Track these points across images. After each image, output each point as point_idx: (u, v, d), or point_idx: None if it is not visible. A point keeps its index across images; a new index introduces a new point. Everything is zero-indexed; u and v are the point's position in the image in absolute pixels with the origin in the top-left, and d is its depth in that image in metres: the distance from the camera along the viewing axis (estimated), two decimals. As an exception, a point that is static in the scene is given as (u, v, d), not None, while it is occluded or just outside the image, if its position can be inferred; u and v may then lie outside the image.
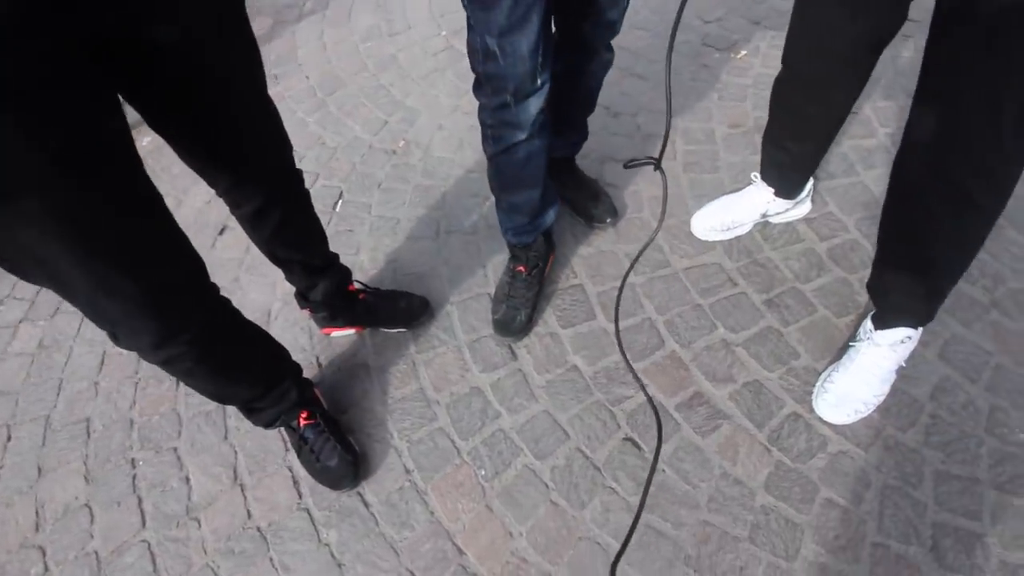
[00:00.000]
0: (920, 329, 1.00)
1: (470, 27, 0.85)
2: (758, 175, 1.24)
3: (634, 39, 1.80)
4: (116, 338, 0.70)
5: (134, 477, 1.14)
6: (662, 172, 0.91)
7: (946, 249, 0.84)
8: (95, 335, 1.37)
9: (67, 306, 1.44)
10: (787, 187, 1.20)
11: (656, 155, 0.88)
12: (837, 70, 0.91)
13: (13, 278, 1.52)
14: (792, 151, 1.12)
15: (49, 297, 1.47)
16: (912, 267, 0.90)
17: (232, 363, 0.85)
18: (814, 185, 1.31)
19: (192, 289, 0.74)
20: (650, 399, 1.06)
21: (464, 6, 0.82)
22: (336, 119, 1.75)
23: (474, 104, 0.96)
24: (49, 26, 0.49)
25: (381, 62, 1.91)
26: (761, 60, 1.68)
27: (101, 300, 0.64)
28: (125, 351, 1.31)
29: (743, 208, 1.27)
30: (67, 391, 1.28)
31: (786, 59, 0.98)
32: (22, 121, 0.50)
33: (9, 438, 1.22)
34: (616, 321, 1.11)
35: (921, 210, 0.81)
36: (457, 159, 1.58)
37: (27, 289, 1.49)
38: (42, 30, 0.49)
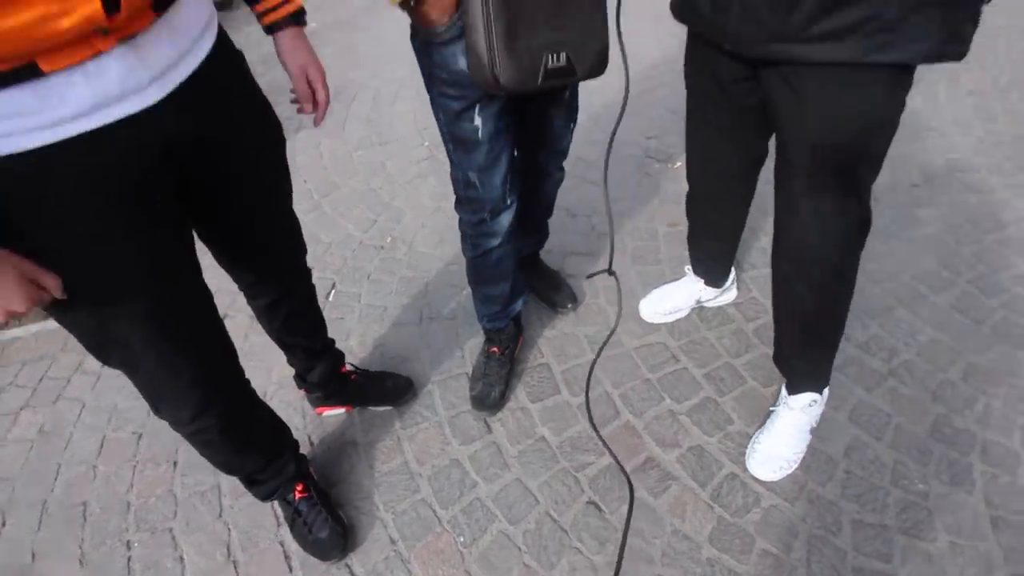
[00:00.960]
0: (824, 394, 1.20)
1: (452, 163, 1.09)
2: (690, 268, 1.49)
3: (588, 151, 2.13)
4: (158, 410, 0.84)
5: (129, 559, 1.19)
6: (616, 278, 1.15)
7: (814, 324, 1.07)
8: (96, 420, 1.46)
9: (69, 392, 1.54)
10: (713, 277, 1.45)
11: (607, 265, 1.13)
12: (725, 186, 1.19)
13: (16, 367, 1.62)
14: (708, 249, 1.38)
15: (51, 384, 1.56)
16: (796, 340, 1.13)
17: (246, 436, 0.98)
18: (738, 275, 1.57)
19: (228, 368, 0.90)
20: (623, 470, 1.18)
21: (448, 152, 1.07)
22: (331, 218, 1.98)
23: (451, 205, 1.18)
24: (146, 154, 0.66)
25: (371, 168, 2.19)
26: (693, 169, 2.01)
27: (161, 376, 0.79)
28: (124, 435, 1.42)
29: (681, 295, 1.50)
30: (65, 475, 1.35)
31: (688, 178, 1.25)
32: (130, 237, 0.67)
33: (3, 524, 1.27)
34: (587, 401, 1.28)
35: (790, 295, 1.06)
36: (438, 253, 1.80)
37: (30, 376, 1.58)
38: (139, 156, 0.66)
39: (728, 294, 1.52)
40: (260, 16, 0.83)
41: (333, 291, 1.72)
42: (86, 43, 0.57)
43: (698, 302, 1.50)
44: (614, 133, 1.03)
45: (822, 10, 0.70)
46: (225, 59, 0.76)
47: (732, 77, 0.94)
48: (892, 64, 0.72)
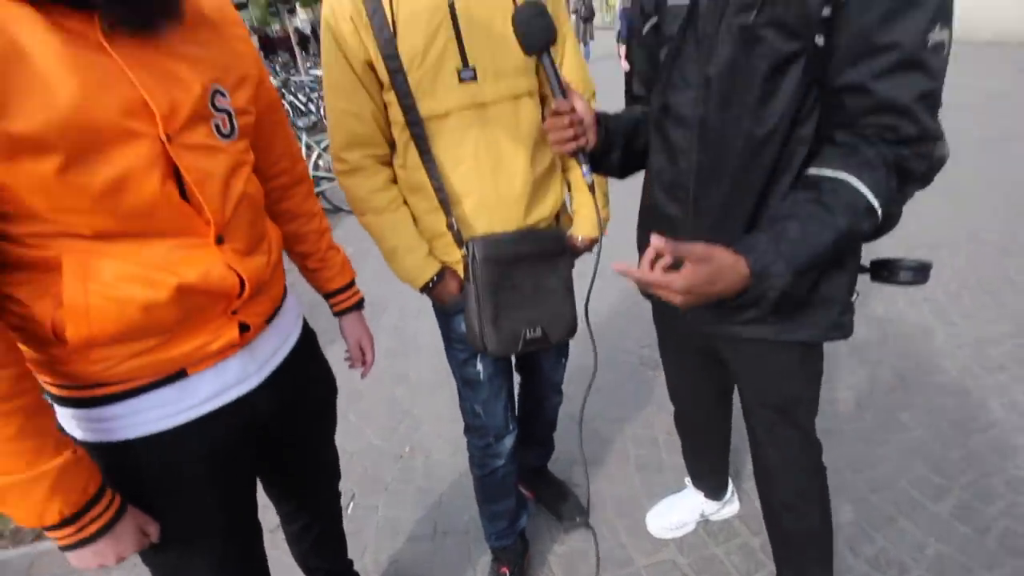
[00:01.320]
0: (836, 622, 1.19)
1: (461, 397, 1.31)
2: (690, 481, 1.58)
3: (590, 359, 2.38)
4: None
5: None
6: (593, 532, 1.29)
7: (799, 542, 1.14)
8: (102, 653, 1.44)
9: (82, 620, 1.54)
10: (712, 490, 1.53)
11: (586, 515, 1.28)
12: (704, 409, 1.37)
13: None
14: (702, 464, 1.49)
15: (66, 610, 1.57)
16: (788, 558, 1.19)
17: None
18: (738, 486, 1.64)
19: None
20: None
21: (458, 388, 1.30)
22: (355, 427, 2.15)
23: (466, 414, 1.34)
24: (243, 427, 0.86)
25: (395, 377, 2.44)
26: (685, 375, 2.22)
27: None
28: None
29: (685, 508, 1.56)
30: None
31: (671, 400, 1.44)
32: (219, 494, 0.83)
33: None
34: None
35: (772, 513, 1.16)
36: (452, 462, 1.92)
37: (47, 602, 1.60)
38: (238, 429, 0.86)
39: (731, 507, 1.58)
40: (331, 306, 1.14)
41: (352, 503, 1.80)
42: (220, 353, 0.84)
43: (702, 515, 1.56)
44: (582, 411, 1.25)
45: (740, 306, 0.97)
46: (304, 341, 1.03)
47: (689, 331, 1.20)
48: (798, 341, 0.96)
